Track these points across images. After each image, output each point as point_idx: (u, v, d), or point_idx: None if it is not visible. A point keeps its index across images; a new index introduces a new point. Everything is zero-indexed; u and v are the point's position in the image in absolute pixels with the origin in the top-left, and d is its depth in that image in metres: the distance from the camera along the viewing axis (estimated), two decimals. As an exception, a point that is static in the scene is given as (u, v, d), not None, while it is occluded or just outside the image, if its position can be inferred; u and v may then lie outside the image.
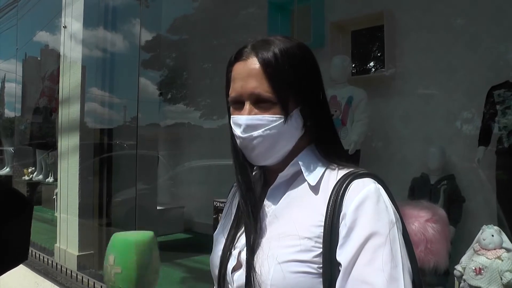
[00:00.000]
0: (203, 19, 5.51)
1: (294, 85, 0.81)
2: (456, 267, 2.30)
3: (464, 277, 2.23)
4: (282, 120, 0.80)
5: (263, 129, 0.80)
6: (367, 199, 0.75)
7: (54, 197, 4.78)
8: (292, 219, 0.80)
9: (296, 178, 0.85)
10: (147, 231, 0.75)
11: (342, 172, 0.82)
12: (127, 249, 0.72)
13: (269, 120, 0.80)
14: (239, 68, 0.83)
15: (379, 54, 4.12)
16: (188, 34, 6.01)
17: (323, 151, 0.85)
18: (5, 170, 7.71)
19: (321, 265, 0.74)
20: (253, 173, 0.91)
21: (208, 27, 5.39)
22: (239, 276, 0.82)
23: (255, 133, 0.80)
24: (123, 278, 0.70)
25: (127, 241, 0.73)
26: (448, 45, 3.38)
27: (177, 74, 6.40)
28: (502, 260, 2.13)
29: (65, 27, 4.17)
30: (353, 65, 4.16)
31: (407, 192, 3.22)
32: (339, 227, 0.75)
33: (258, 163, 0.86)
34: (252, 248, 0.81)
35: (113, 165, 4.08)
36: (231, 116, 0.85)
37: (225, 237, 0.90)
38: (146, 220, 4.07)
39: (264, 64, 0.79)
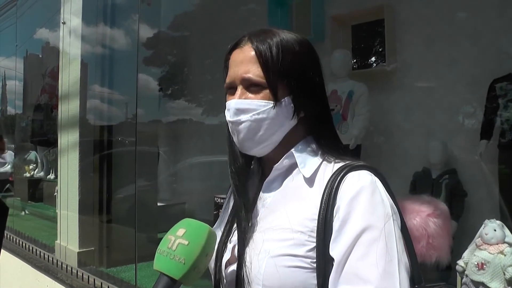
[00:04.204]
0: (203, 15, 5.48)
1: (287, 73, 0.80)
2: (458, 262, 2.28)
3: (466, 272, 2.21)
4: (271, 105, 0.79)
5: (251, 114, 0.80)
6: (361, 192, 0.74)
7: (55, 194, 4.77)
8: (286, 212, 0.79)
9: (292, 171, 0.84)
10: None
11: (338, 164, 0.81)
12: (201, 230, 0.73)
13: (258, 104, 0.80)
14: (235, 56, 0.84)
15: (380, 49, 4.10)
16: (189, 30, 5.99)
17: (320, 143, 0.85)
18: (7, 167, 7.72)
19: (315, 260, 0.73)
20: (251, 166, 0.91)
21: (208, 22, 5.36)
22: (233, 270, 0.81)
23: (243, 117, 0.80)
24: (186, 250, 0.70)
25: (203, 225, 0.75)
26: (449, 38, 3.34)
27: (178, 70, 6.38)
28: (505, 255, 2.10)
29: (64, 23, 4.15)
30: (354, 60, 4.13)
31: (409, 186, 3.21)
32: (333, 221, 0.73)
33: (246, 151, 0.85)
34: (243, 241, 0.80)
35: (113, 161, 4.06)
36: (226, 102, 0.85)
37: (222, 231, 0.89)
38: (147, 216, 4.06)
39: (258, 50, 0.80)
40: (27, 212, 6.07)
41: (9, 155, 7.26)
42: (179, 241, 0.75)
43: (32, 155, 6.89)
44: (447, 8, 3.35)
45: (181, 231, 0.77)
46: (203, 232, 0.77)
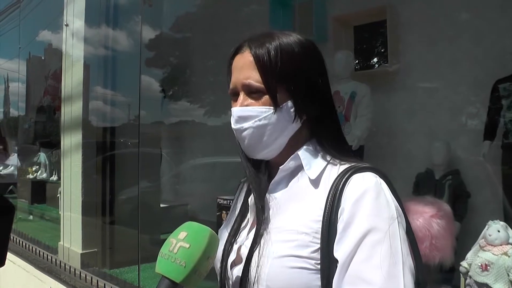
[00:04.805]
0: (205, 16, 5.49)
1: (286, 77, 0.80)
2: (461, 263, 2.28)
3: (470, 273, 2.20)
4: (272, 111, 0.80)
5: (253, 121, 0.81)
6: (366, 194, 0.73)
7: (58, 195, 4.79)
8: (292, 214, 0.80)
9: (298, 172, 0.84)
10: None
11: (344, 166, 0.81)
12: (202, 233, 0.75)
13: (259, 111, 0.80)
14: (236, 61, 0.85)
15: (382, 50, 4.10)
16: (191, 31, 6.00)
17: (324, 145, 0.85)
18: (10, 169, 7.74)
19: (319, 261, 0.73)
20: (260, 168, 0.91)
21: (210, 24, 5.37)
22: (238, 271, 0.82)
23: (246, 125, 0.81)
24: (187, 253, 0.72)
25: (204, 228, 0.77)
26: (452, 38, 3.34)
27: (180, 72, 6.39)
28: (509, 256, 2.09)
29: (67, 25, 4.16)
30: (356, 61, 4.13)
31: (412, 187, 3.20)
32: (337, 222, 0.73)
33: (252, 156, 0.86)
34: (248, 242, 0.81)
35: (116, 163, 4.07)
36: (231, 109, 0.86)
37: (228, 231, 0.90)
38: (150, 217, 4.06)
39: (256, 55, 0.80)
40: (30, 218, 6.05)
41: (15, 157, 7.25)
42: (180, 244, 0.75)
43: (41, 157, 6.86)
44: (449, 8, 3.34)
45: (182, 234, 0.77)
46: (204, 235, 0.77)
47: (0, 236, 0.62)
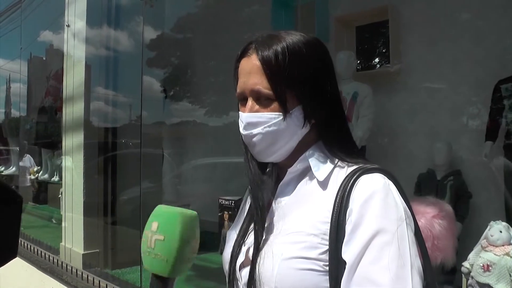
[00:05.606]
0: (207, 16, 5.49)
1: (296, 83, 0.79)
2: (463, 263, 2.27)
3: (472, 274, 2.20)
4: (281, 117, 0.79)
5: (262, 127, 0.80)
6: (374, 195, 0.73)
7: (60, 196, 4.79)
8: (300, 215, 0.79)
9: (306, 174, 0.84)
10: (192, 210, 0.78)
11: (352, 167, 0.80)
12: (172, 219, 0.74)
13: (268, 117, 0.80)
14: (243, 65, 0.83)
15: (384, 50, 4.10)
16: (192, 32, 6.00)
17: (332, 147, 0.84)
18: (12, 170, 7.74)
19: (327, 263, 0.73)
20: (267, 170, 0.91)
21: (212, 24, 5.37)
22: (247, 272, 0.82)
23: (255, 131, 0.81)
24: (164, 246, 0.71)
25: (173, 212, 0.75)
26: (453, 38, 3.34)
27: (182, 72, 6.39)
28: (511, 257, 2.09)
29: (68, 25, 4.17)
30: (358, 61, 4.13)
31: (413, 188, 3.20)
32: (345, 224, 0.73)
33: (262, 160, 0.86)
34: (257, 244, 0.81)
35: (118, 163, 4.07)
36: (239, 112, 0.86)
37: (237, 233, 0.90)
38: (151, 218, 4.06)
39: (264, 61, 0.79)
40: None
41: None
42: (155, 237, 0.75)
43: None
44: (450, 9, 3.34)
45: (154, 226, 0.77)
46: (175, 220, 0.76)
47: (11, 226, 0.62)
